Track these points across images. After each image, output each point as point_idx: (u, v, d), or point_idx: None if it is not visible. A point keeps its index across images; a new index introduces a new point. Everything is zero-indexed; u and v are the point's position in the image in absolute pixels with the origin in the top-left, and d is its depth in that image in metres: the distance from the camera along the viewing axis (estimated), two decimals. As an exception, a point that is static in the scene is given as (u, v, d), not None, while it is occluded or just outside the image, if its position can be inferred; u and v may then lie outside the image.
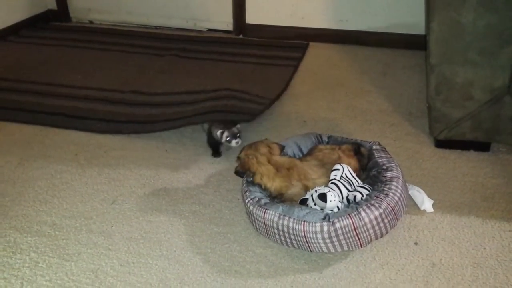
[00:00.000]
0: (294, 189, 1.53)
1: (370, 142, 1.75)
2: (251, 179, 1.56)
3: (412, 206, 1.65)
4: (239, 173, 1.61)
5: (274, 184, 1.53)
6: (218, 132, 1.90)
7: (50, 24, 3.60)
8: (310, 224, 1.39)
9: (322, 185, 1.54)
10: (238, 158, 1.64)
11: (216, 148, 1.98)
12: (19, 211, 1.67)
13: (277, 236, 1.46)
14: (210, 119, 2.05)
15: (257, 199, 1.52)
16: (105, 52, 3.06)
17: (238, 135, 1.91)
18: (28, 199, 1.73)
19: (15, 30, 3.37)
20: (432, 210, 1.63)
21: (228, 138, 1.89)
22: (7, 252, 1.49)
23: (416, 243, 1.51)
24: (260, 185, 1.55)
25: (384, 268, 1.42)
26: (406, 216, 1.61)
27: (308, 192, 1.55)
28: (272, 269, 1.43)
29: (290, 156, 1.71)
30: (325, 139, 1.82)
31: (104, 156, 1.99)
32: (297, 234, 1.41)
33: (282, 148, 1.68)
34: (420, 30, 2.86)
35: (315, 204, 1.50)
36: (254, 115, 2.14)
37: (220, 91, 2.40)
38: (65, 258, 1.47)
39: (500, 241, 1.51)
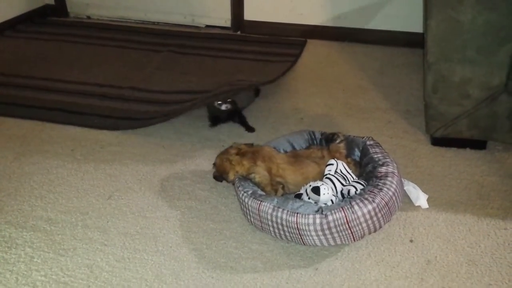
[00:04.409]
0: (259, 169, 1.61)
1: (363, 137, 1.76)
2: (229, 179, 1.65)
3: (408, 203, 1.65)
4: (217, 177, 1.72)
5: (243, 167, 1.63)
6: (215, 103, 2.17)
7: (48, 19, 3.59)
8: (303, 216, 1.39)
9: (286, 170, 1.62)
10: (214, 164, 1.73)
11: (213, 120, 2.19)
12: (14, 206, 1.67)
13: (271, 229, 1.47)
14: (215, 97, 2.15)
15: (251, 191, 1.53)
16: (103, 48, 3.05)
17: (228, 100, 2.13)
18: (23, 194, 1.73)
19: (12, 24, 3.36)
20: (427, 206, 1.64)
21: (219, 103, 2.13)
22: (2, 247, 1.49)
23: (411, 240, 1.51)
24: (239, 177, 1.63)
25: (379, 265, 1.43)
26: (402, 213, 1.61)
27: (302, 187, 1.56)
28: (267, 265, 1.43)
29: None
30: (318, 136, 1.83)
31: (101, 151, 1.99)
32: (290, 226, 1.41)
33: (250, 145, 1.74)
34: (418, 28, 2.86)
35: (309, 198, 1.51)
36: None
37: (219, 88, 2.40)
38: (60, 253, 1.47)
39: (495, 239, 1.51)
